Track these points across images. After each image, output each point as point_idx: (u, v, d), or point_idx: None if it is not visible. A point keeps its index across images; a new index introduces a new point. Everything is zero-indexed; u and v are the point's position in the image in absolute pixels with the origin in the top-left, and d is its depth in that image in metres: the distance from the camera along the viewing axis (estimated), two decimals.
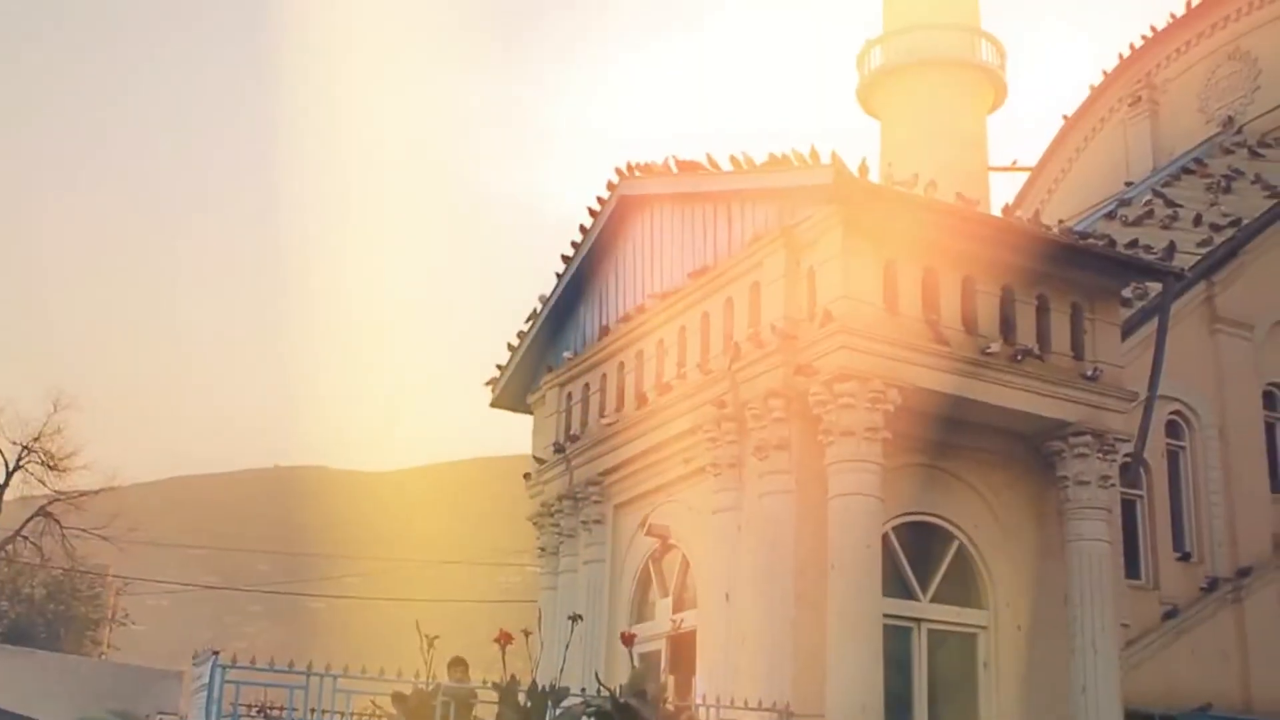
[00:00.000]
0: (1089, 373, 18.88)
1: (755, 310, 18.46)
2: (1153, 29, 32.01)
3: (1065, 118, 34.31)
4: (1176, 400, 22.43)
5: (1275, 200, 25.59)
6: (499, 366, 24.65)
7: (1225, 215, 24.98)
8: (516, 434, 23.75)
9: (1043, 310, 18.90)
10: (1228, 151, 27.95)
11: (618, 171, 22.07)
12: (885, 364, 17.05)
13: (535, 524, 23.28)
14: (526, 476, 23.63)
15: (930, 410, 17.66)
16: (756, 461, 17.74)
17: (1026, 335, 18.57)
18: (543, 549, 23.12)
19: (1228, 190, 26.19)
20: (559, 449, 22.44)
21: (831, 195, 17.23)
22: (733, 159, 19.64)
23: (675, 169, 20.85)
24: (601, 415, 21.63)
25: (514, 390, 24.65)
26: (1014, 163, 36.44)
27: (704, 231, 20.21)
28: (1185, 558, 22.20)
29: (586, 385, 22.45)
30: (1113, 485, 19.14)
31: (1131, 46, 32.51)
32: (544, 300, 23.79)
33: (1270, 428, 24.03)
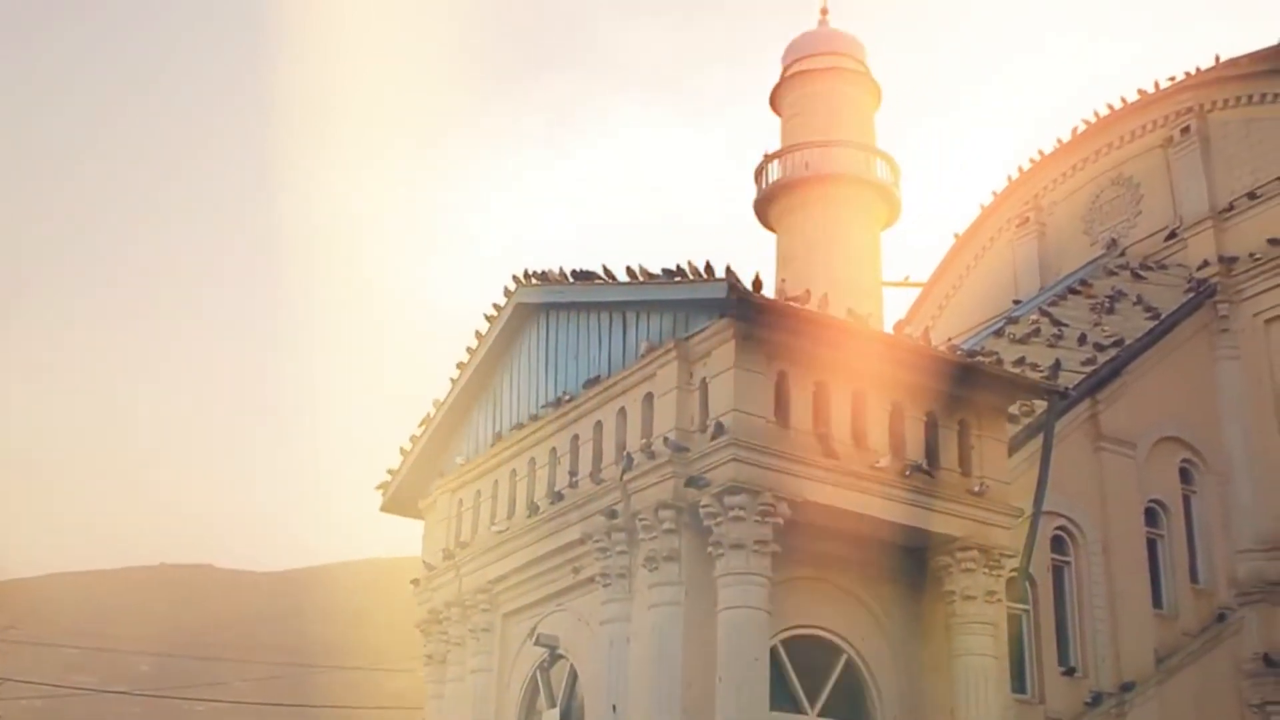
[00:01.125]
0: (976, 488, 19.16)
1: (648, 421, 18.58)
2: (1040, 153, 32.94)
3: (956, 236, 35.08)
4: (1062, 516, 22.74)
5: (1156, 322, 26.30)
6: (390, 471, 24.45)
7: (1109, 335, 25.58)
8: (411, 535, 23.45)
9: (931, 426, 19.20)
10: (1111, 273, 28.68)
11: (515, 279, 22.17)
12: (776, 477, 17.21)
13: (423, 631, 23.00)
14: (415, 583, 23.36)
15: (820, 524, 17.83)
16: (646, 572, 17.74)
17: (915, 450, 18.83)
18: (430, 656, 22.83)
19: (1111, 311, 26.85)
20: (448, 555, 22.25)
21: (725, 309, 17.45)
22: (629, 270, 19.83)
23: (571, 278, 20.98)
24: (492, 522, 21.53)
25: (406, 494, 24.43)
26: (907, 278, 37.13)
27: (599, 341, 20.32)
28: (1070, 672, 22.39)
29: (478, 491, 22.33)
30: (999, 600, 19.31)
31: (1020, 169, 33.40)
32: (438, 404, 23.71)
33: (1152, 544, 24.43)
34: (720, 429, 17.22)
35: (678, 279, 18.58)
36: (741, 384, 17.44)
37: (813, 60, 35.95)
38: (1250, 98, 28.88)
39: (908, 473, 18.43)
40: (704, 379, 17.97)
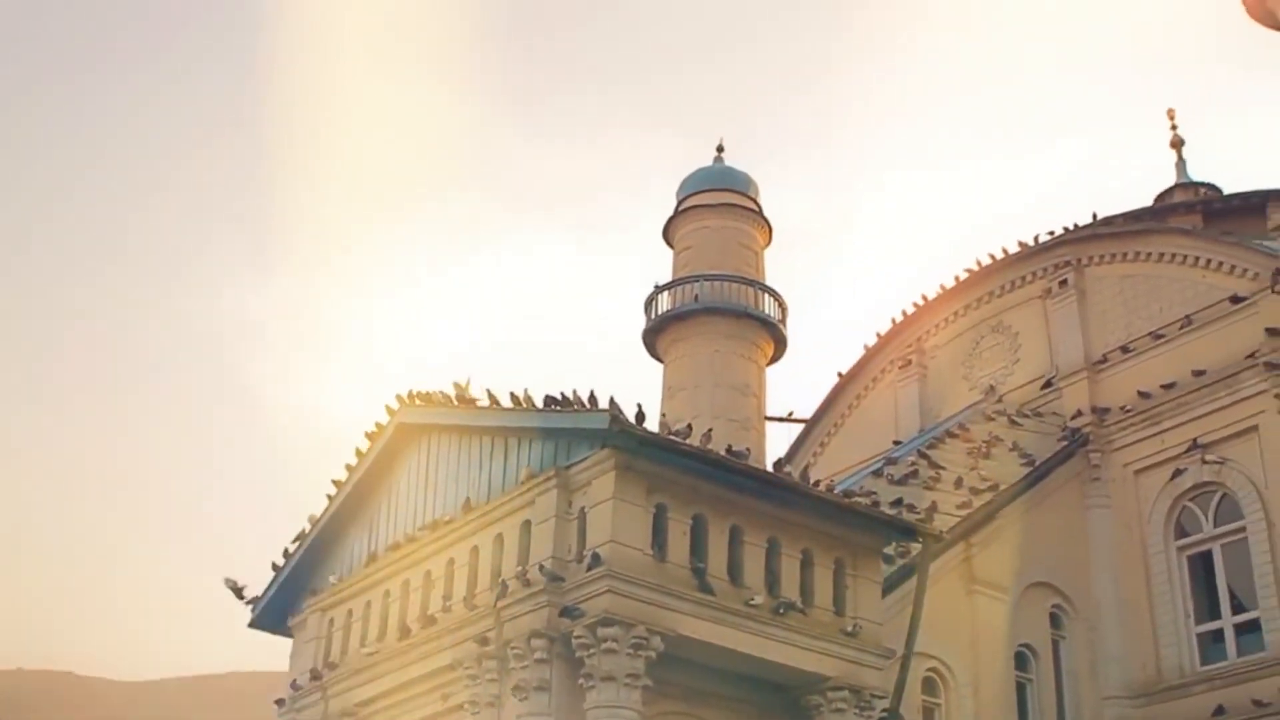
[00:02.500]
0: (849, 628, 19.30)
1: (525, 548, 18.51)
2: (924, 298, 33.63)
3: (840, 375, 35.57)
4: (933, 658, 22.85)
5: (1031, 468, 26.81)
6: (251, 600, 23.94)
7: (984, 480, 25.97)
8: (282, 649, 22.95)
9: (807, 564, 19.35)
10: (989, 419, 29.21)
11: (398, 398, 22.08)
12: (650, 610, 17.21)
13: None
14: (279, 703, 22.83)
15: (693, 659, 17.81)
16: (516, 702, 17.57)
17: (790, 588, 18.95)
18: None
19: (988, 456, 27.29)
20: (316, 676, 21.81)
21: (606, 440, 17.53)
22: (513, 396, 19.85)
23: (455, 401, 20.95)
24: (362, 644, 21.16)
25: (276, 610, 23.95)
26: (790, 414, 37.46)
27: (480, 465, 20.28)
28: None
29: (350, 611, 21.98)
30: None
31: (904, 312, 34.04)
32: (314, 521, 23.38)
33: (1021, 688, 24.64)
34: (597, 559, 17.20)
35: (561, 408, 18.66)
36: (620, 515, 17.48)
37: (706, 195, 36.51)
38: (1125, 255, 29.82)
39: (781, 610, 18.51)
40: (583, 508, 17.99)
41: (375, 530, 22.47)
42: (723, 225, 36.00)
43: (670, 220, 37.07)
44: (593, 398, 18.15)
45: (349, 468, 22.95)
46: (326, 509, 23.20)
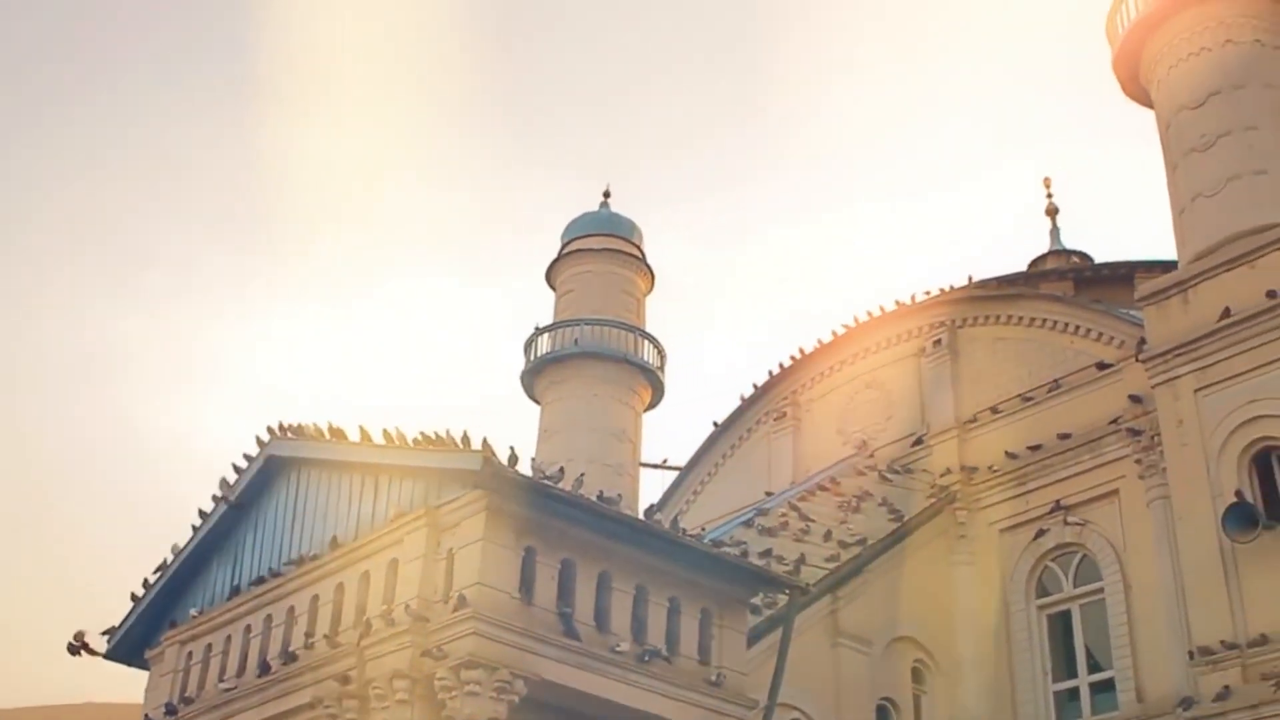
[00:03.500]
0: (713, 678, 19.36)
1: (391, 587, 18.32)
2: (801, 351, 34.02)
3: (716, 424, 35.83)
4: (796, 709, 22.95)
5: (899, 524, 27.17)
6: (108, 630, 23.39)
7: (853, 534, 26.26)
8: (139, 681, 22.40)
9: (674, 612, 19.39)
10: (860, 473, 29.58)
11: (269, 430, 21.81)
12: (515, 654, 17.13)
13: None
14: None
15: (556, 704, 17.75)
16: None
17: (656, 636, 18.97)
18: None
19: (857, 510, 27.61)
20: (171, 710, 21.34)
21: (478, 481, 17.46)
22: (385, 433, 19.70)
23: (327, 434, 20.75)
24: (221, 679, 20.76)
25: (133, 641, 23.39)
26: (665, 461, 37.71)
27: (349, 501, 20.07)
28: None
29: (209, 645, 21.56)
30: None
31: (781, 365, 34.42)
32: (176, 551, 22.94)
33: None
34: (463, 601, 17.09)
35: (433, 446, 18.55)
36: (488, 557, 17.39)
37: (591, 240, 36.72)
38: (998, 318, 30.44)
39: (647, 658, 18.53)
40: (451, 549, 17.87)
41: (240, 563, 22.11)
42: (605, 270, 36.22)
43: (554, 263, 37.19)
44: (466, 438, 18.09)
45: (215, 498, 22.59)
46: (190, 540, 22.80)
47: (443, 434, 18.51)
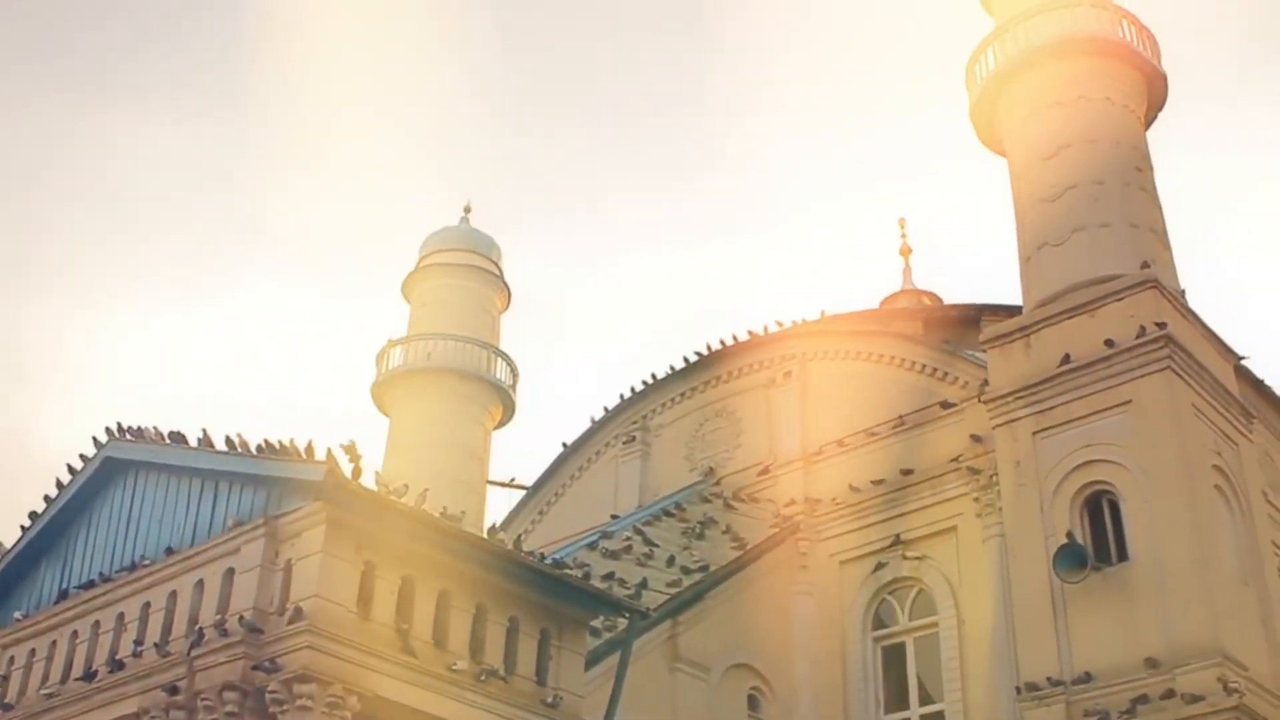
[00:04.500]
0: (550, 699, 19.31)
1: (226, 596, 17.97)
2: (654, 376, 34.15)
3: (565, 444, 35.84)
4: None
5: (742, 552, 27.41)
6: None
7: (696, 560, 26.44)
8: None
9: (513, 632, 19.31)
10: (706, 500, 29.80)
11: (107, 431, 21.29)
12: (349, 669, 16.90)
13: None
14: None
15: None
16: None
17: (494, 655, 18.87)
18: None
19: (701, 536, 27.82)
20: None
21: (320, 493, 17.22)
22: (227, 439, 19.35)
23: (167, 439, 20.32)
24: (43, 685, 20.16)
25: None
26: (513, 479, 37.53)
27: (187, 507, 19.67)
28: None
29: (33, 650, 20.92)
30: None
31: (633, 389, 34.51)
32: (2, 553, 22.27)
33: None
34: (299, 614, 16.82)
35: (276, 455, 18.26)
36: (327, 570, 17.15)
37: (449, 255, 36.56)
38: (848, 353, 30.88)
39: (484, 677, 18.41)
40: (290, 560, 17.59)
41: (69, 567, 21.52)
42: (462, 286, 36.10)
43: (410, 275, 36.95)
44: (310, 448, 17.84)
45: (48, 499, 21.98)
46: (19, 541, 22.15)
47: (286, 443, 18.23)
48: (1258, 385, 29.45)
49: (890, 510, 27.89)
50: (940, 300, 38.87)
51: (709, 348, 33.36)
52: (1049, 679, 22.92)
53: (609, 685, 20.94)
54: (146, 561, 19.57)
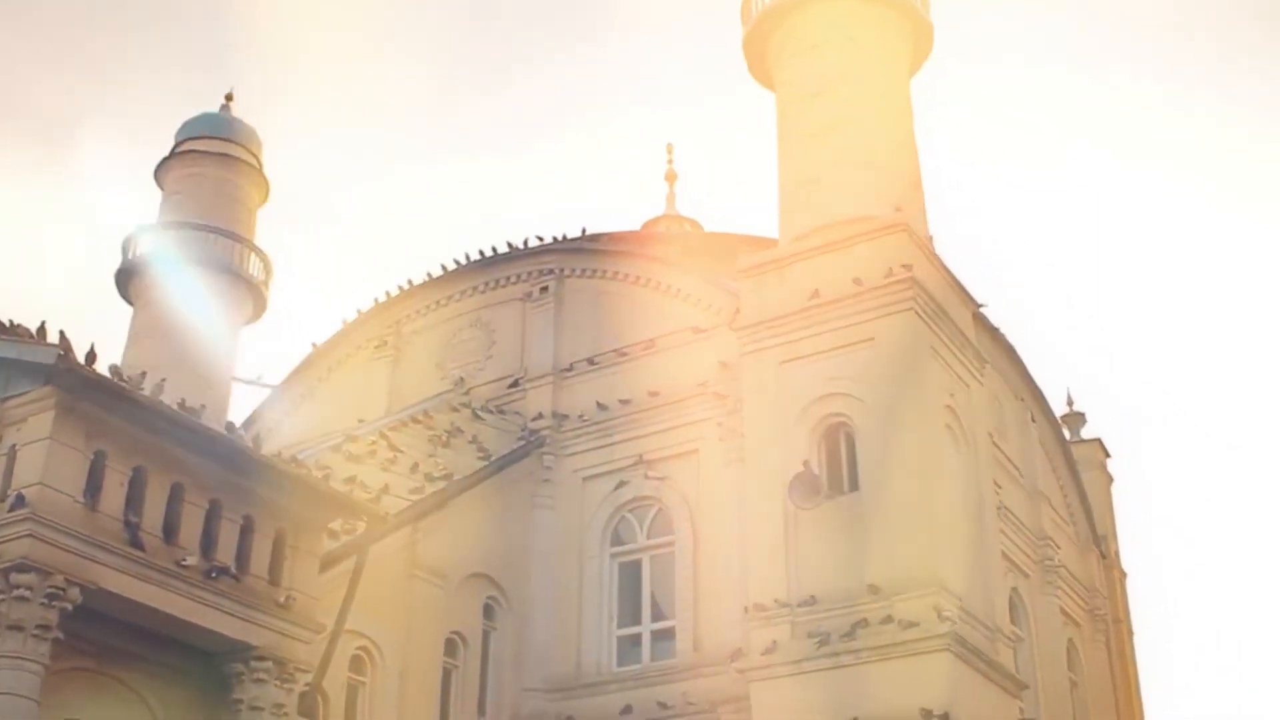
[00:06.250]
0: (282, 599, 19.13)
1: None
2: (410, 281, 33.73)
3: (314, 345, 35.18)
4: (365, 637, 22.91)
5: (486, 462, 27.46)
6: None
7: (441, 468, 26.36)
8: None
9: (247, 530, 19.02)
10: (454, 409, 29.68)
11: None
12: (73, 560, 16.44)
13: None
14: None
15: (113, 615, 17.14)
16: None
17: (226, 553, 18.56)
18: None
19: (447, 445, 27.73)
20: None
21: (50, 376, 16.56)
22: None
23: None
24: None
25: None
26: (260, 377, 36.59)
27: None
28: None
29: None
30: (286, 715, 19.19)
31: (387, 293, 34.07)
32: None
33: (448, 673, 25.13)
34: (21, 501, 16.22)
35: (4, 335, 17.46)
36: (54, 458, 16.56)
37: (205, 143, 35.23)
38: (606, 272, 31.07)
39: (215, 575, 18.11)
40: (15, 445, 16.90)
41: None
42: (217, 175, 34.91)
43: (164, 161, 35.54)
44: (42, 330, 17.14)
45: None
46: None
47: (17, 324, 17.45)
48: (993, 332, 30.78)
49: (635, 430, 28.29)
50: (701, 228, 39.40)
51: (467, 257, 33.15)
52: (776, 600, 23.68)
53: (344, 588, 20.82)
54: None
